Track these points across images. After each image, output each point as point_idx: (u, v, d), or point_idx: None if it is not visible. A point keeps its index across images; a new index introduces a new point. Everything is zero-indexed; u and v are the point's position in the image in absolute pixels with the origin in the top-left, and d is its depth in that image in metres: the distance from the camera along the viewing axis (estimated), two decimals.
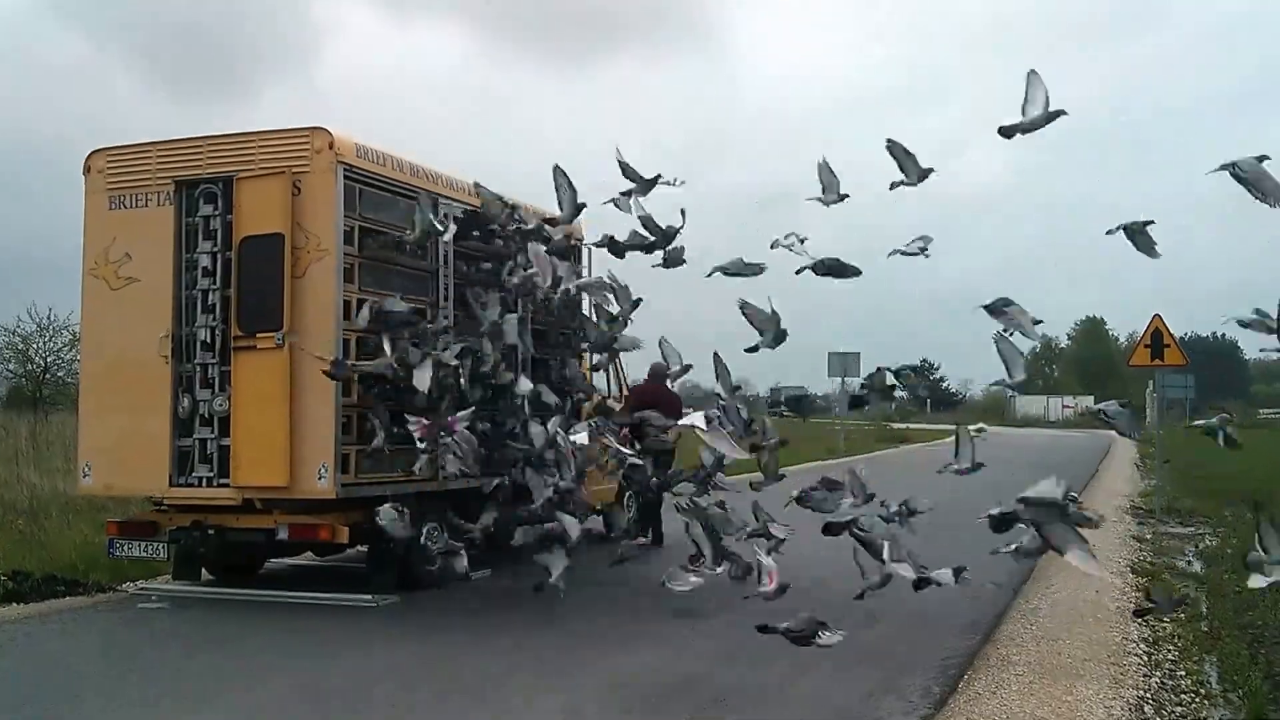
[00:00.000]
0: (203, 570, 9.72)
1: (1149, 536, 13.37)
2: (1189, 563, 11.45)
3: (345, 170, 8.74)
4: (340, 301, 8.66)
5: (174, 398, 9.01)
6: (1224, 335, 68.69)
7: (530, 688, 6.36)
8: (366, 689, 6.41)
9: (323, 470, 8.54)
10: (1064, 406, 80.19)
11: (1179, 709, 5.99)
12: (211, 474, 8.92)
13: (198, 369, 9.02)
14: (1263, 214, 5.77)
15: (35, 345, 33.22)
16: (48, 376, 33.15)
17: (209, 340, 9.00)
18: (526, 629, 7.94)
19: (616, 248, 9.21)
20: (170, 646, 7.71)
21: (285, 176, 8.68)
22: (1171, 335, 15.89)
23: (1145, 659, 7.08)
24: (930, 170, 7.56)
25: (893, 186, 7.70)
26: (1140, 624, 8.00)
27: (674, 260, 9.01)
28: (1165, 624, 7.97)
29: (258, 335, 8.70)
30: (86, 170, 9.38)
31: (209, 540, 8.98)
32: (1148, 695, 6.19)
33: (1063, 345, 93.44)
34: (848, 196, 8.03)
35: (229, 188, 8.92)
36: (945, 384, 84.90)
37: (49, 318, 31.66)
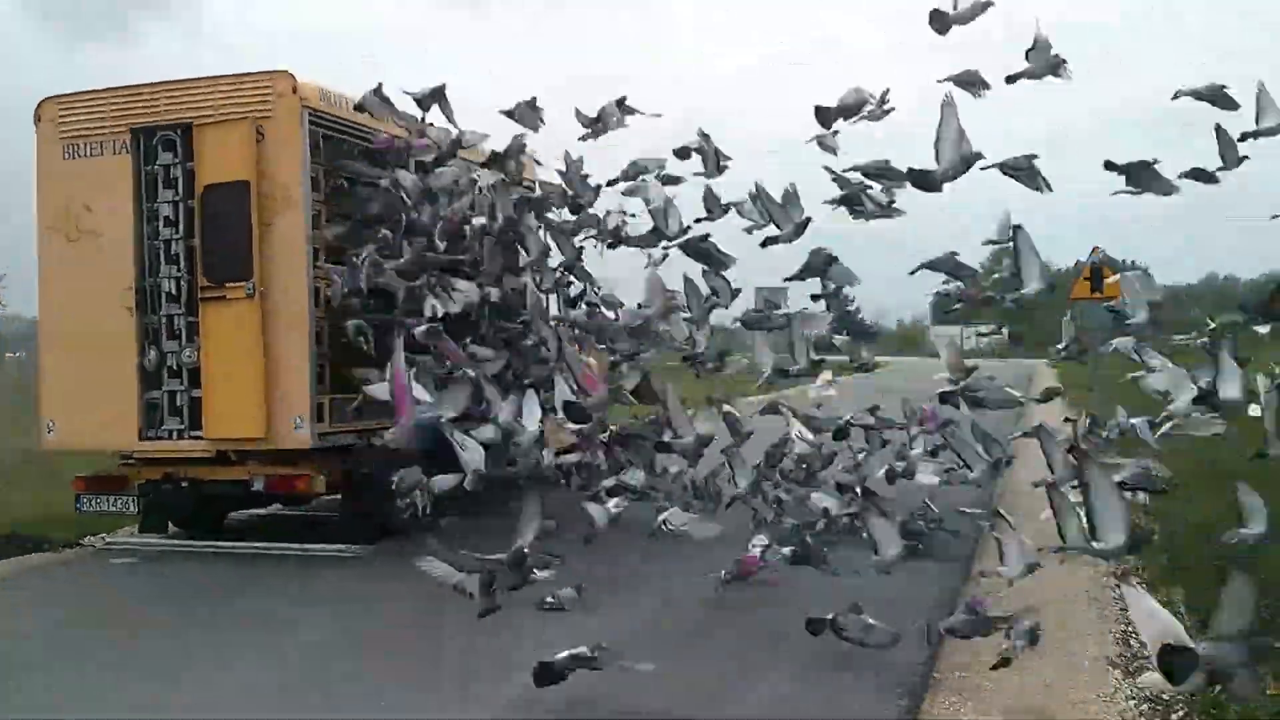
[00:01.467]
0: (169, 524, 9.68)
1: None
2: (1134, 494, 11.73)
3: (310, 115, 8.60)
4: (310, 249, 8.56)
5: (140, 350, 8.88)
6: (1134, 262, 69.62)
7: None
8: (355, 641, 6.48)
9: (299, 420, 8.50)
10: (978, 335, 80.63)
11: None
12: (183, 426, 8.83)
13: (164, 320, 8.89)
14: None
15: None
16: None
17: (174, 291, 8.86)
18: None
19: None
20: (160, 602, 7.70)
21: (248, 122, 8.51)
22: (1112, 268, 16.14)
23: (1118, 594, 7.30)
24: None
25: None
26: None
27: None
28: (1128, 559, 8.24)
29: (227, 285, 8.58)
30: (38, 119, 9.11)
31: (182, 493, 8.92)
32: (1131, 630, 6.41)
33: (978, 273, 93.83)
34: None
35: (188, 134, 8.73)
36: (859, 314, 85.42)
37: None
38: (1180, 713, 5.08)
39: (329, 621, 6.95)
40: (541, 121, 8.54)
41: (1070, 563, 7.33)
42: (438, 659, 6.10)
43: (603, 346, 9.20)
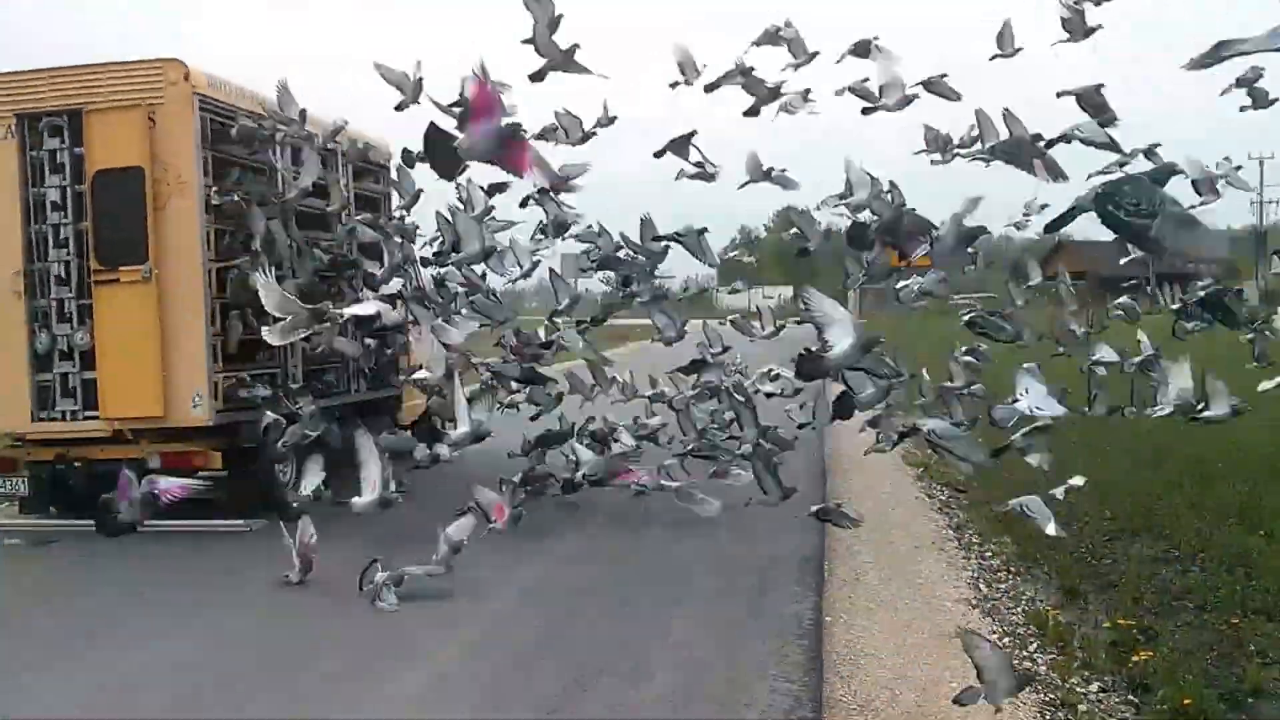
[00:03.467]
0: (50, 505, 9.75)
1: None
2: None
3: (200, 101, 8.86)
4: (204, 233, 8.84)
5: (30, 334, 8.98)
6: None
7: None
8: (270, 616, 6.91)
9: (197, 398, 8.78)
10: (764, 297, 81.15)
11: (1003, 585, 7.16)
12: (76, 407, 9.00)
13: (53, 304, 9.01)
14: None
15: None
16: None
17: (64, 275, 8.99)
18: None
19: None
20: (57, 584, 7.93)
21: (141, 109, 8.72)
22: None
23: (959, 543, 8.31)
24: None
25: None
26: (941, 513, 9.35)
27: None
28: (959, 512, 9.31)
29: (121, 268, 8.78)
30: None
31: (75, 473, 9.08)
32: (976, 574, 7.41)
33: (760, 235, 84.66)
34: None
35: (76, 120, 8.87)
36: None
37: None
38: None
39: (241, 598, 7.28)
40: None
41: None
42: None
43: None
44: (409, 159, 9.65)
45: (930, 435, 6.80)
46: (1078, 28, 6.80)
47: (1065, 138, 6.70)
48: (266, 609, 6.93)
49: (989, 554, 7.94)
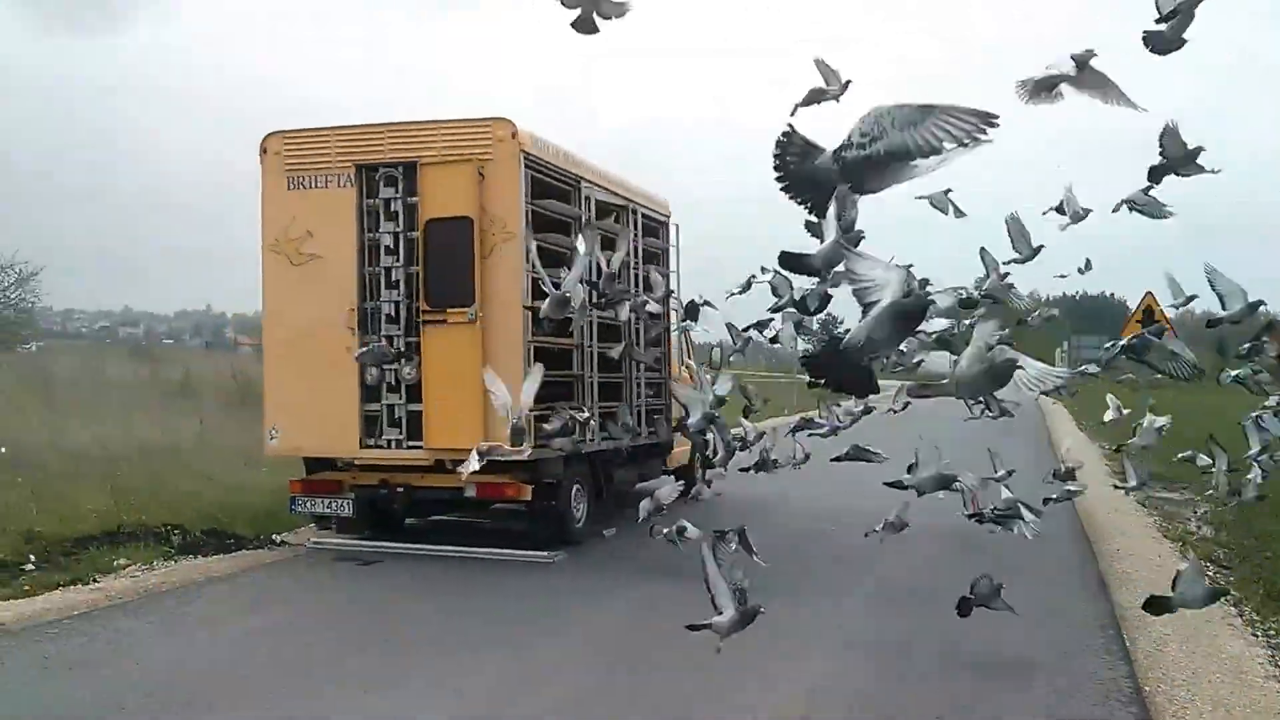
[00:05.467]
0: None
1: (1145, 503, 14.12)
2: (1199, 527, 12.70)
3: (525, 158, 9.51)
4: (527, 280, 9.48)
5: (361, 368, 9.75)
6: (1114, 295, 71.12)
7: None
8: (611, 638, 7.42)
9: None
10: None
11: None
12: (400, 436, 9.73)
13: (382, 340, 9.75)
14: None
15: None
16: None
17: (393, 314, 9.75)
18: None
19: None
20: (423, 601, 8.61)
21: (471, 164, 9.41)
22: (1164, 313, 16.98)
23: (1242, 618, 8.24)
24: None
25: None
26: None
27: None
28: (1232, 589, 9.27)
29: (449, 310, 9.48)
30: (263, 152, 9.96)
31: (398, 497, 9.85)
32: (1272, 651, 7.40)
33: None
34: None
35: (411, 172, 9.62)
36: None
37: None
38: None
39: (568, 624, 7.82)
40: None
41: None
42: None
43: None
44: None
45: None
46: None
47: None
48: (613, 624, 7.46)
49: (1272, 630, 7.99)
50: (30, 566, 8.83)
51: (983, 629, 6.76)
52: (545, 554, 9.77)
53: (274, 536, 10.40)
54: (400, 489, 9.84)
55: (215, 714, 5.76)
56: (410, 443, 9.69)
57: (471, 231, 9.39)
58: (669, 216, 12.94)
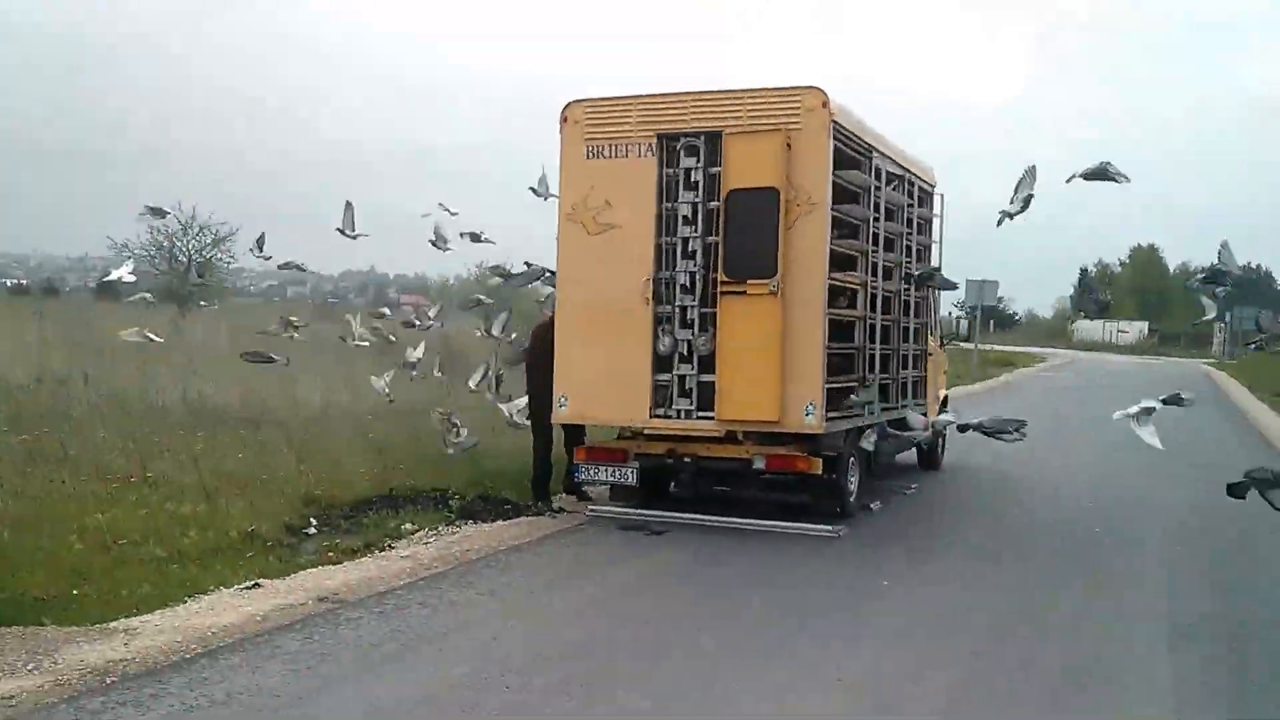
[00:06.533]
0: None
1: None
2: None
3: (835, 128, 9.34)
4: (827, 252, 9.33)
5: (654, 336, 9.76)
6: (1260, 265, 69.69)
7: None
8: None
9: (810, 407, 9.30)
10: (1119, 331, 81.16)
11: None
12: (690, 407, 9.71)
13: (676, 310, 9.74)
14: None
15: (180, 245, 34.81)
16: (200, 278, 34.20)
17: (688, 284, 9.71)
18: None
19: None
20: (743, 573, 8.60)
21: (780, 134, 9.28)
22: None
23: None
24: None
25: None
26: None
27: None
28: None
29: (749, 282, 9.39)
30: (564, 120, 10.01)
31: (687, 467, 9.85)
32: None
33: (1117, 271, 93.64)
34: None
35: (714, 142, 9.54)
36: (1003, 304, 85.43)
37: (192, 217, 33.05)
38: None
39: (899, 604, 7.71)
40: None
41: None
42: None
43: None
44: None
45: None
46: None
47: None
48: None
49: None
50: (312, 530, 8.85)
51: None
52: (829, 528, 9.64)
53: (553, 503, 10.49)
54: (688, 459, 9.83)
55: (604, 692, 5.66)
56: (700, 413, 9.66)
57: (776, 202, 9.28)
58: (934, 185, 12.62)
